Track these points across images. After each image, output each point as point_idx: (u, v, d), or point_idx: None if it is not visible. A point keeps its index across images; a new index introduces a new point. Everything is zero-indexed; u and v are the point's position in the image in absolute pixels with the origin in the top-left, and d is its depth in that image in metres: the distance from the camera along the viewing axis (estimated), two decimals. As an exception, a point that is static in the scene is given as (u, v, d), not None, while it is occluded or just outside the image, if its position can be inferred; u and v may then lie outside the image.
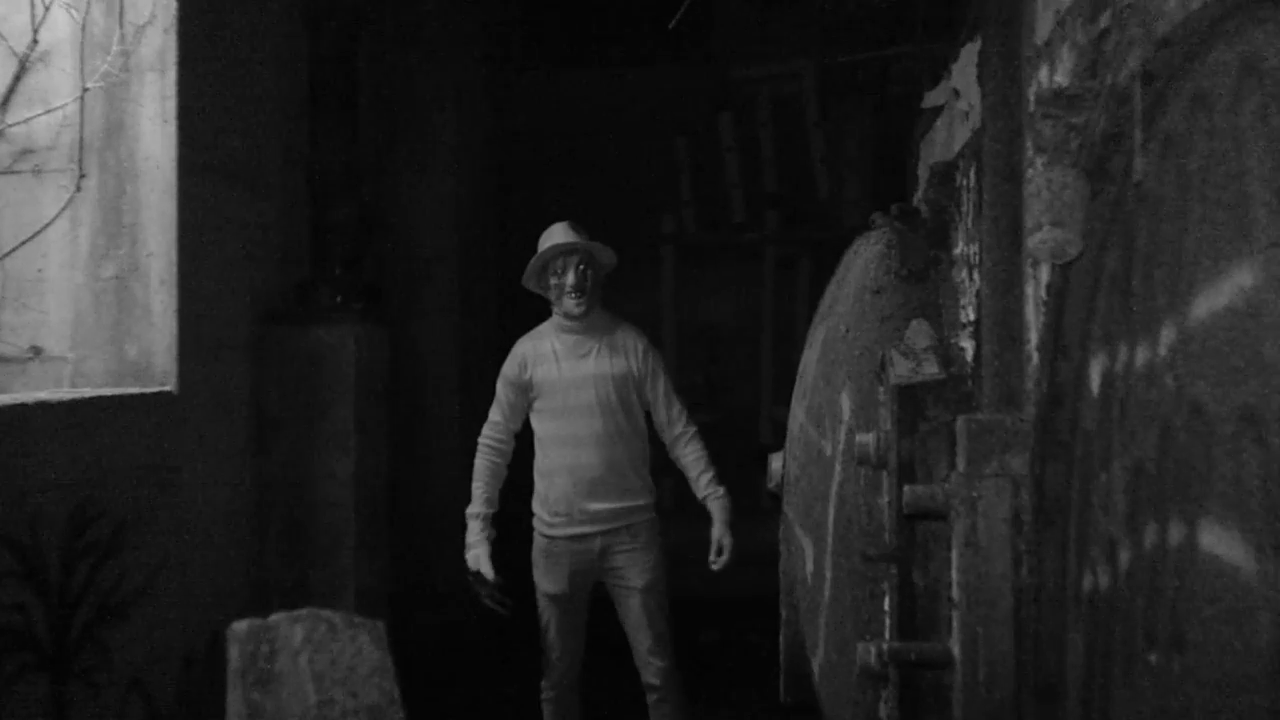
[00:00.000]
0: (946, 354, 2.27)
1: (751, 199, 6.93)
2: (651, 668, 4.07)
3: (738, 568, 7.00)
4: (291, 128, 4.67)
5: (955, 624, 1.60)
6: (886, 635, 2.21)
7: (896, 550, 2.15)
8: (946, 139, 2.71)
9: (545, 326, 4.16)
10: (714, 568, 4.18)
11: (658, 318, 6.90)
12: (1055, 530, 1.37)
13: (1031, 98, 1.66)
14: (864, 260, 2.59)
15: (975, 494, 1.47)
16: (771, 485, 2.89)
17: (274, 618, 1.77)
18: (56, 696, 3.38)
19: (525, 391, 4.06)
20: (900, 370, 2.19)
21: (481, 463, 4.11)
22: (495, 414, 4.13)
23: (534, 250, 4.15)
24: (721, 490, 4.20)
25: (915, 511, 1.80)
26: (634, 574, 4.06)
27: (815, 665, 2.58)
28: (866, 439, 2.20)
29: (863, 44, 6.63)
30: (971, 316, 2.18)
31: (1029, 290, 1.69)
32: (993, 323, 1.95)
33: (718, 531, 4.16)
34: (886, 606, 2.22)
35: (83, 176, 3.79)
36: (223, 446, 4.27)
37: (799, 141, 6.84)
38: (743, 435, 7.06)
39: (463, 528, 4.19)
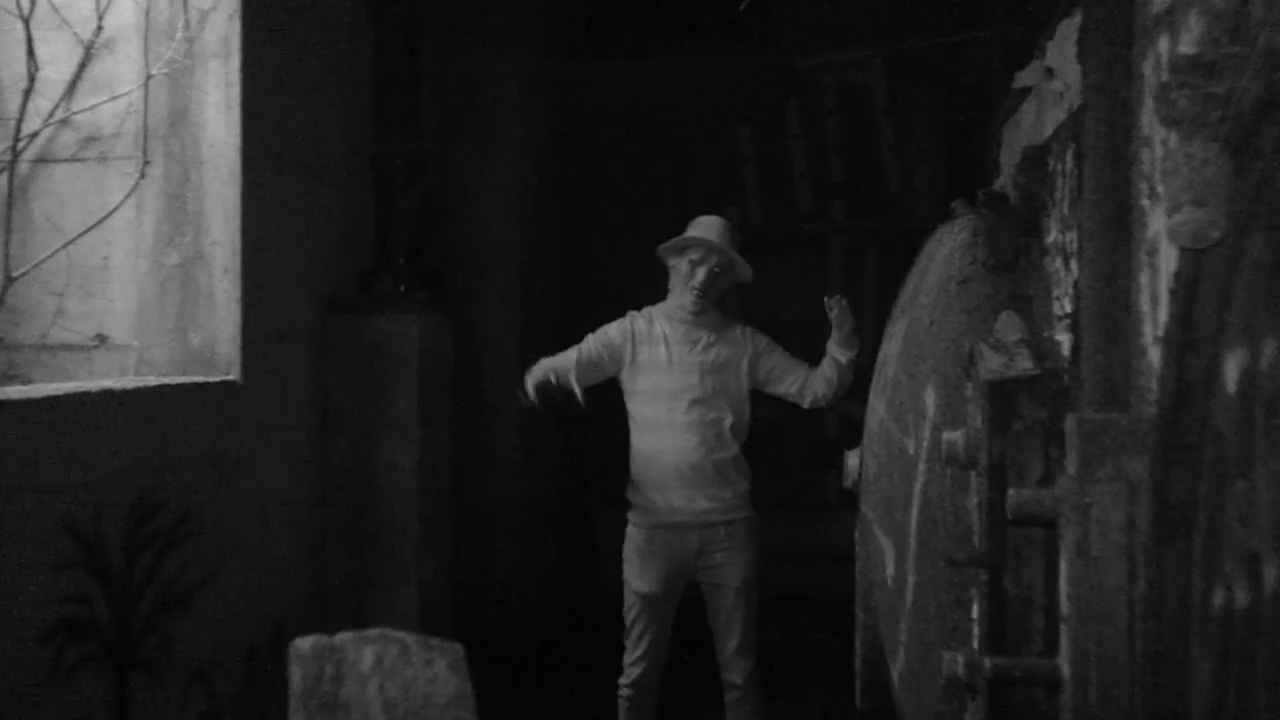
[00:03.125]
0: (1039, 348, 2.16)
1: (818, 189, 6.79)
2: (737, 667, 4.03)
3: (801, 566, 6.92)
4: (355, 115, 4.62)
5: (1064, 640, 1.49)
6: (975, 644, 2.10)
7: (986, 555, 2.04)
8: (1035, 122, 2.58)
9: (656, 310, 4.14)
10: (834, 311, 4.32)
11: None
12: (1179, 541, 1.26)
13: (1148, 71, 1.54)
14: (948, 249, 2.47)
15: (1088, 499, 1.37)
16: (848, 483, 2.78)
17: (341, 637, 1.59)
18: (119, 687, 3.36)
19: (616, 361, 4.04)
20: (991, 365, 2.08)
21: (549, 359, 4.10)
22: (575, 349, 4.08)
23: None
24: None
25: (1020, 517, 1.69)
26: (731, 573, 4.01)
27: (895, 672, 2.47)
28: (954, 437, 2.09)
29: (934, 29, 6.48)
30: (1068, 308, 2.06)
31: (1143, 279, 1.57)
32: (1095, 315, 1.84)
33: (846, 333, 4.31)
34: (974, 614, 2.11)
35: (147, 163, 3.77)
36: (286, 436, 4.24)
37: (867, 130, 6.69)
38: (808, 430, 6.94)
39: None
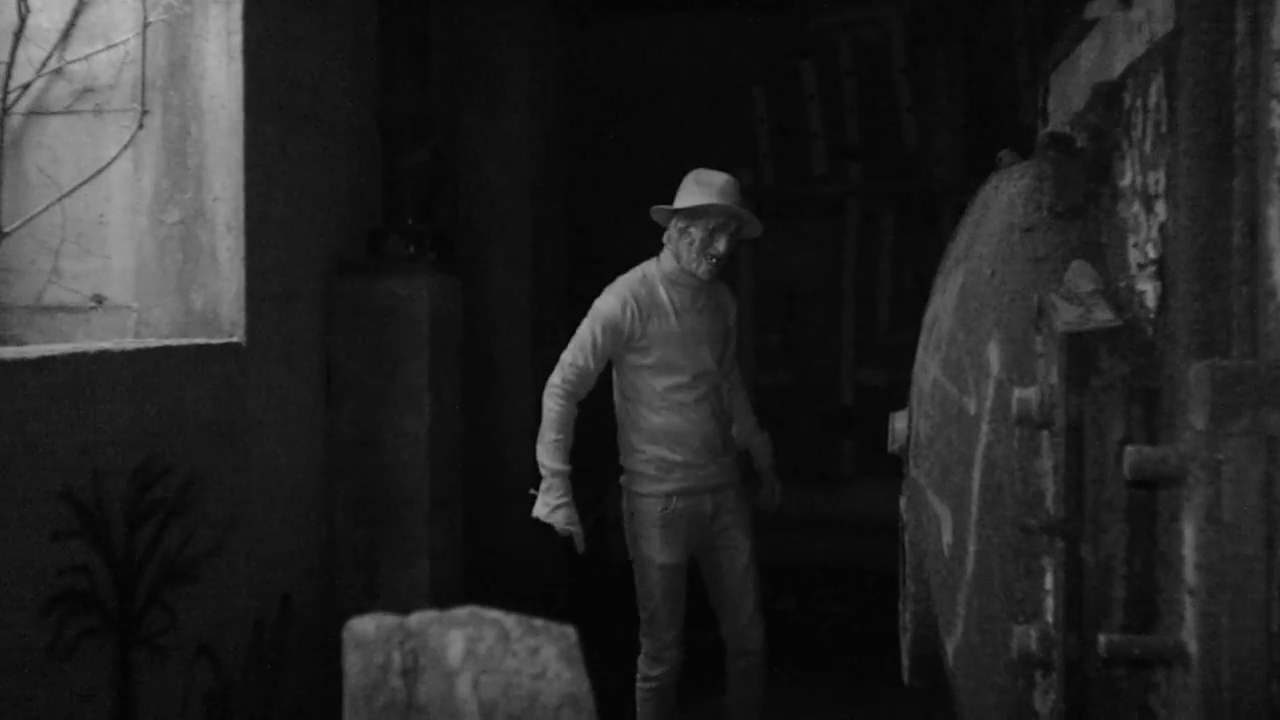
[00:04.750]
0: (1115, 299, 1.99)
1: (833, 151, 6.62)
2: (754, 632, 3.95)
3: (817, 535, 6.78)
4: (361, 70, 4.44)
5: (1191, 615, 1.34)
6: (1049, 617, 1.95)
7: (1063, 522, 1.88)
8: (1099, 60, 2.41)
9: (651, 273, 3.89)
10: (770, 509, 4.13)
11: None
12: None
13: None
14: (1008, 196, 2.30)
15: (1220, 457, 1.21)
16: (894, 447, 2.63)
17: (418, 618, 1.25)
18: (122, 663, 3.22)
19: (627, 342, 3.79)
20: (1067, 316, 1.92)
21: (563, 412, 3.79)
22: (582, 359, 3.80)
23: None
24: (765, 433, 4.17)
25: (1141, 478, 1.54)
26: (740, 534, 3.93)
27: (950, 647, 2.32)
28: (1027, 395, 1.93)
29: (954, -14, 6.29)
30: (1152, 255, 1.89)
31: (1272, 211, 1.41)
32: (1191, 259, 1.68)
33: (770, 466, 4.14)
34: (1048, 585, 1.96)
35: (146, 113, 3.59)
36: (292, 402, 4.08)
37: (884, 90, 6.51)
38: (822, 397, 6.80)
39: (533, 488, 3.92)
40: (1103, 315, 1.91)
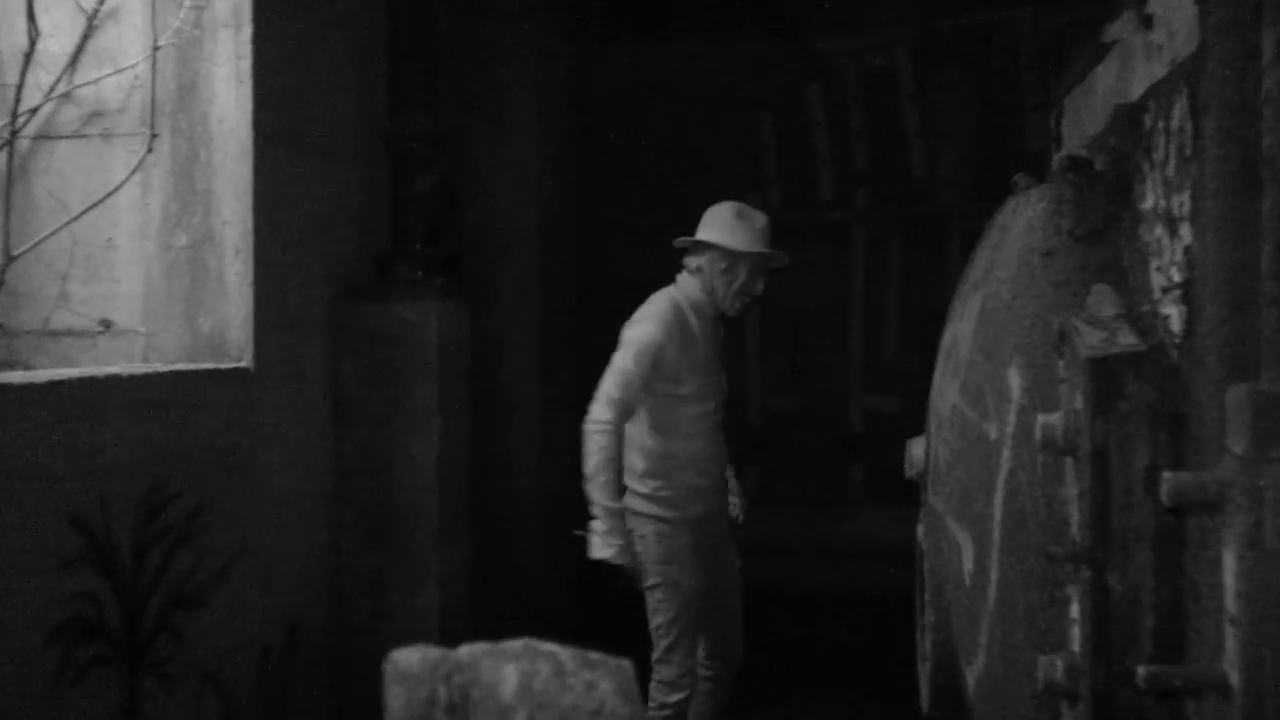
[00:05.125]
0: (1139, 323, 1.97)
1: (840, 176, 6.61)
2: (739, 649, 3.97)
3: (825, 562, 6.72)
4: (370, 94, 4.43)
5: (1232, 644, 1.31)
6: (1075, 647, 1.91)
7: (1089, 550, 1.85)
8: (1117, 83, 2.40)
9: (680, 302, 3.85)
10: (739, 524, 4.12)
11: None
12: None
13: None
14: (1026, 220, 2.28)
15: (1262, 483, 1.19)
16: (912, 473, 2.59)
17: (468, 650, 1.18)
18: (129, 689, 3.18)
19: (664, 372, 3.75)
20: (1091, 341, 1.89)
21: (612, 448, 3.67)
22: (626, 393, 3.71)
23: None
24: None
25: (1179, 504, 1.51)
26: (733, 554, 4.01)
27: (970, 676, 2.28)
28: (1052, 420, 1.90)
29: (961, 12, 6.29)
30: (1177, 278, 1.87)
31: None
32: (1219, 282, 1.65)
33: (737, 482, 4.14)
34: (1073, 614, 1.93)
35: (155, 136, 3.58)
36: (299, 427, 4.06)
37: (892, 116, 6.50)
38: (830, 423, 6.76)
39: (579, 529, 3.84)
40: (1127, 340, 1.88)
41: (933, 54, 6.37)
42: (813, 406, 6.81)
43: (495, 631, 4.57)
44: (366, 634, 4.34)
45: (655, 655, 3.80)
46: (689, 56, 6.64)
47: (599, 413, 3.68)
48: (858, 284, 6.66)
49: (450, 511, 4.45)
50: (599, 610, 6.35)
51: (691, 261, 3.88)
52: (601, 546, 3.68)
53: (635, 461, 3.81)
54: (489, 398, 5.38)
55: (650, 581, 3.78)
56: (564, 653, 1.18)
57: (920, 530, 2.59)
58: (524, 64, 5.55)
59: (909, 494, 6.84)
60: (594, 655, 1.11)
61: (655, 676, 3.80)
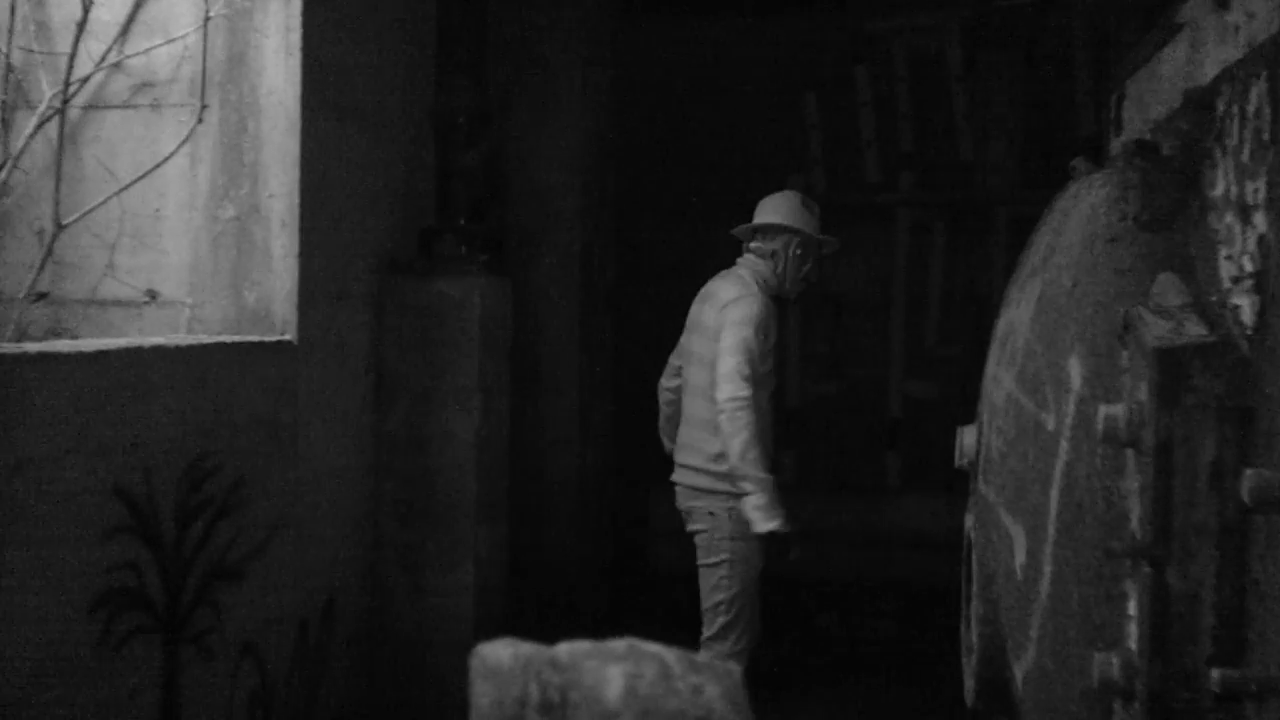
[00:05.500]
0: (1205, 313, 1.92)
1: (886, 159, 6.53)
2: (760, 631, 4.08)
3: (860, 549, 6.68)
4: (418, 67, 4.41)
5: (1313, 648, 1.27)
6: (1131, 645, 1.87)
7: (1150, 546, 1.81)
8: (1185, 67, 2.34)
9: (761, 285, 3.96)
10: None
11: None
12: None
13: None
14: (1089, 205, 2.23)
15: (1350, 483, 1.15)
16: (962, 462, 2.55)
17: (567, 648, 1.10)
18: (168, 661, 3.19)
19: (764, 348, 3.91)
20: (1158, 331, 1.85)
21: (757, 423, 3.78)
22: (750, 368, 3.80)
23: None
24: None
25: (1263, 502, 1.47)
26: None
27: (1019, 671, 2.25)
28: (1115, 412, 1.86)
29: (1014, -7, 6.19)
30: (1250, 268, 1.82)
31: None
32: (1297, 273, 1.60)
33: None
34: (1131, 611, 1.89)
35: (205, 107, 3.57)
36: (341, 401, 4.06)
37: (939, 98, 6.41)
38: (869, 409, 6.70)
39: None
40: (1196, 330, 1.84)
41: (982, 36, 6.27)
42: (852, 392, 6.76)
43: (527, 613, 4.61)
44: (402, 610, 4.34)
45: (710, 632, 3.83)
46: (734, 35, 6.57)
47: (737, 389, 3.72)
48: (900, 269, 6.59)
49: (489, 490, 4.45)
50: (631, 593, 6.35)
51: (765, 246, 3.98)
52: (765, 519, 3.70)
53: (707, 441, 3.85)
54: (526, 376, 5.36)
55: (718, 558, 3.83)
56: (669, 654, 1.09)
57: (969, 520, 2.55)
58: (569, 41, 5.51)
59: (947, 482, 6.79)
60: (699, 658, 1.05)
61: (709, 654, 3.80)
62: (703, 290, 4.15)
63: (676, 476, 4.02)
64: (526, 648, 1.12)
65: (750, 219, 4.19)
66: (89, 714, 2.90)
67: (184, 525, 3.23)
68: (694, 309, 4.09)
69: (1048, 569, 2.09)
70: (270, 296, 3.74)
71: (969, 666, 2.58)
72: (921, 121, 6.46)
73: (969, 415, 6.78)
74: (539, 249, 5.48)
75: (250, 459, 3.52)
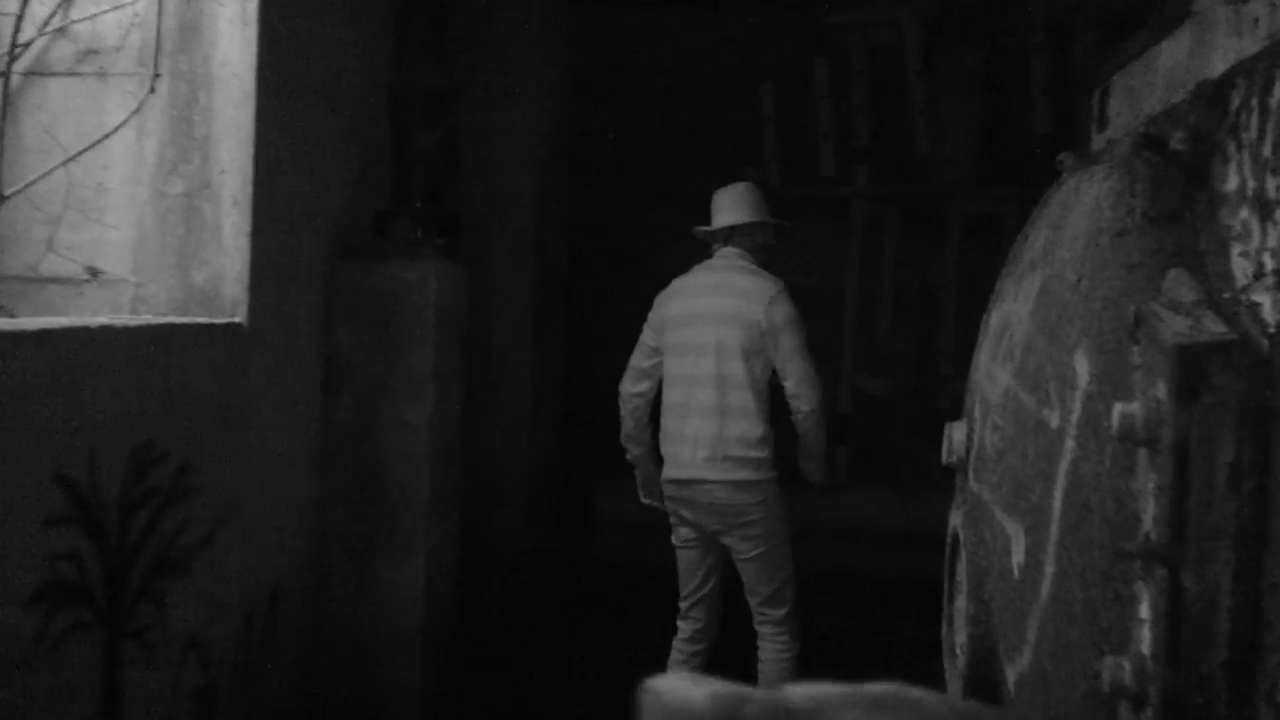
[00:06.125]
0: (1219, 310, 1.87)
1: (842, 153, 6.49)
2: None
3: (809, 542, 6.66)
4: (375, 45, 4.27)
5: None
6: (1144, 649, 1.82)
7: (1166, 547, 1.75)
8: (1188, 60, 2.29)
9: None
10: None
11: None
12: None
13: None
14: (1093, 199, 2.17)
15: None
16: (950, 459, 2.49)
17: (803, 692, 0.82)
18: (110, 657, 3.03)
19: None
20: (1177, 327, 1.79)
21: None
22: (813, 364, 4.06)
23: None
24: None
25: None
26: None
27: (1012, 673, 2.19)
28: (1131, 410, 1.80)
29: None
30: (1272, 265, 1.77)
31: None
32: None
33: None
34: (1143, 614, 1.83)
35: (158, 76, 3.40)
36: (291, 387, 3.91)
37: (897, 92, 6.39)
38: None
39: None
40: (1215, 327, 1.78)
41: (941, 31, 6.26)
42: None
43: (477, 604, 4.49)
44: (350, 603, 4.21)
45: (782, 611, 3.91)
46: (692, 24, 6.50)
47: (815, 393, 3.88)
48: (853, 262, 6.57)
49: (441, 480, 4.32)
50: (582, 582, 6.26)
51: (753, 240, 4.05)
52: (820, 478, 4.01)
53: (754, 429, 3.87)
54: (477, 364, 5.24)
55: (777, 540, 3.90)
56: (940, 704, 0.84)
57: (956, 518, 2.49)
58: (527, 25, 5.39)
59: (895, 476, 6.77)
60: (970, 705, 0.84)
61: (784, 631, 3.91)
62: (693, 284, 4.03)
63: (703, 473, 3.90)
64: (729, 689, 0.84)
65: (706, 210, 4.18)
66: (25, 712, 2.74)
67: (128, 514, 3.07)
68: (687, 303, 3.96)
69: (1049, 569, 2.03)
70: (220, 277, 3.58)
71: (953, 668, 2.52)
72: (878, 115, 6.44)
73: (921, 411, 6.75)
74: (492, 234, 5.37)
75: (198, 446, 3.36)
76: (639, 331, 4.16)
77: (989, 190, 6.25)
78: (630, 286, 6.87)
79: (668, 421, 4.00)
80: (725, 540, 3.90)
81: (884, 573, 6.03)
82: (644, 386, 4.02)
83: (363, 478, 4.18)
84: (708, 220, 4.15)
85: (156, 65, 3.43)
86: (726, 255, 4.01)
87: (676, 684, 0.80)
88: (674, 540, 4.02)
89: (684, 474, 3.88)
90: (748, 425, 3.83)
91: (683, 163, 6.62)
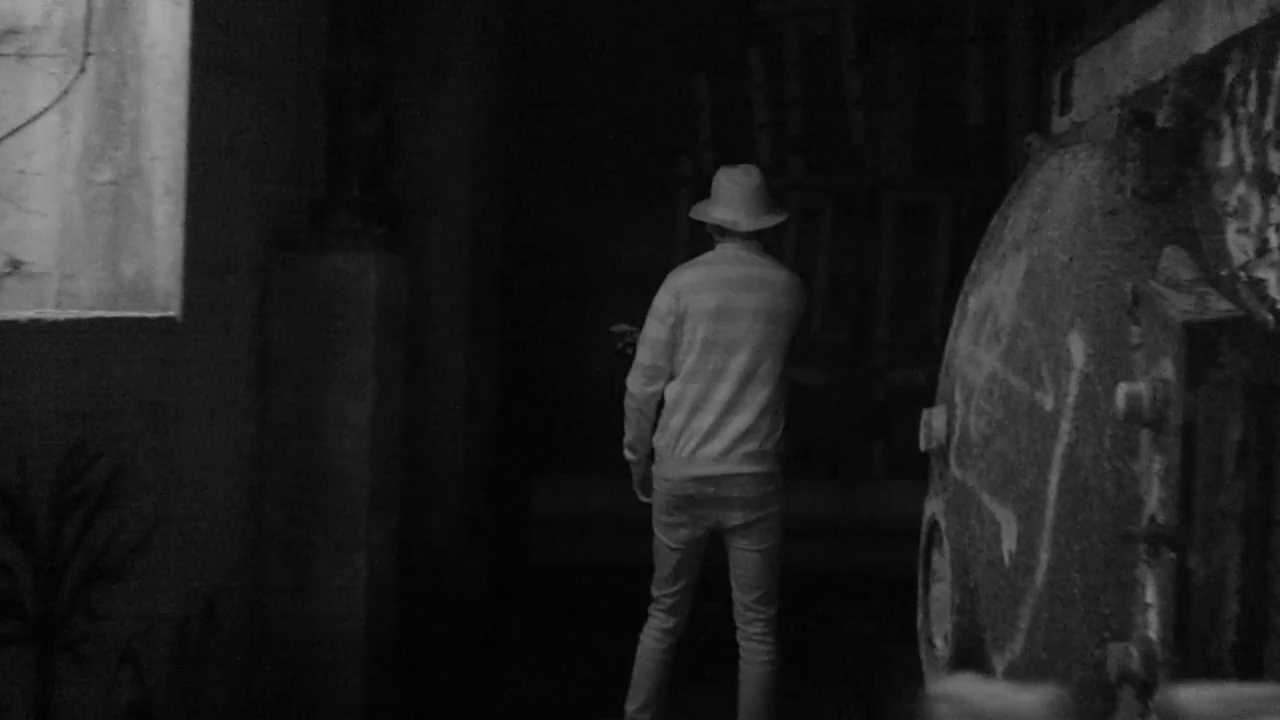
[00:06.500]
0: (1221, 288, 1.84)
1: (777, 143, 6.45)
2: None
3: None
4: (309, 28, 4.11)
5: None
6: (1151, 634, 1.78)
7: (1175, 530, 1.71)
8: (1169, 37, 2.26)
9: None
10: None
11: (669, 265, 6.39)
12: None
13: None
14: (1079, 178, 2.13)
15: None
16: (930, 446, 2.44)
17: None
18: (42, 671, 2.87)
19: None
20: (1183, 305, 1.75)
21: None
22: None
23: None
24: None
25: None
26: None
27: (1002, 662, 2.14)
28: (1138, 390, 1.76)
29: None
30: (1276, 240, 1.74)
31: None
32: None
33: None
34: (1149, 598, 1.79)
35: (89, 55, 3.22)
36: (226, 384, 3.75)
37: (833, 83, 6.36)
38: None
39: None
40: (1220, 304, 1.75)
41: (876, 21, 6.25)
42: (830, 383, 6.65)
43: (418, 605, 4.35)
44: (287, 608, 4.05)
45: (775, 609, 3.84)
46: (627, 13, 6.39)
47: None
48: (788, 253, 6.51)
49: (382, 480, 4.19)
50: (519, 582, 6.14)
51: (770, 223, 4.00)
52: None
53: (779, 422, 3.81)
54: (412, 358, 5.09)
55: (781, 534, 3.84)
56: None
57: (935, 506, 2.43)
58: (462, 10, 5.26)
59: (832, 467, 6.74)
60: None
61: (771, 632, 3.83)
62: (724, 276, 3.84)
63: (737, 468, 3.76)
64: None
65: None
66: (-47, 733, 2.57)
67: (60, 520, 2.91)
68: (721, 296, 3.78)
69: (1044, 556, 1.99)
70: (152, 269, 3.42)
71: (931, 658, 2.47)
72: (813, 106, 6.41)
73: (857, 403, 6.73)
74: (426, 225, 5.21)
75: (131, 446, 3.20)
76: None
77: (924, 180, 6.26)
78: (563, 278, 6.79)
79: (685, 418, 3.79)
80: (738, 537, 3.79)
81: (823, 565, 6.00)
82: (659, 385, 3.82)
83: (302, 477, 4.02)
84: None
85: (87, 44, 3.25)
86: (749, 247, 3.91)
87: (977, 687, 0.72)
88: (669, 541, 3.84)
89: (714, 470, 3.72)
90: (776, 419, 3.78)
91: (617, 153, 6.53)
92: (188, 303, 3.44)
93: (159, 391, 3.34)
